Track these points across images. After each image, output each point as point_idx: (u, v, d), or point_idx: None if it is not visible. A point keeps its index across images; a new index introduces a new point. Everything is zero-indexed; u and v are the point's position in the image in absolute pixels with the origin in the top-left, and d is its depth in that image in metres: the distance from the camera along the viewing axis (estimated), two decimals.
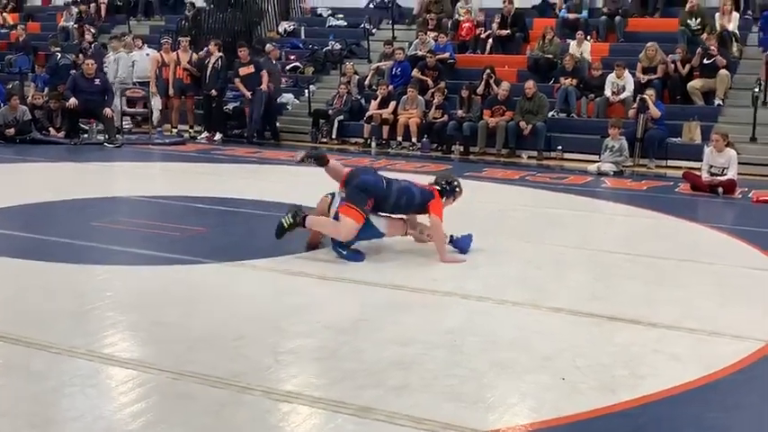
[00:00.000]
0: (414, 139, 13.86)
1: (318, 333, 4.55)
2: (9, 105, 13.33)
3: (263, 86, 14.25)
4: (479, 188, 10.42)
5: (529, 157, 13.24)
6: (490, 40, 15.87)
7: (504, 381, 4.01)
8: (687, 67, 13.55)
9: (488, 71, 14.10)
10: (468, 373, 4.06)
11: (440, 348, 4.36)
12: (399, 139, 13.99)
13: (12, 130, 13.02)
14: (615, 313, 5.04)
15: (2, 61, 18.06)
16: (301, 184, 10.43)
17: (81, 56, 15.61)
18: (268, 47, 15.72)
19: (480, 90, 14.02)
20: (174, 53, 15.16)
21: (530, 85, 13.36)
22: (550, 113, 13.58)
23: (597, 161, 12.07)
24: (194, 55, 15.11)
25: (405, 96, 14.24)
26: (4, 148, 12.52)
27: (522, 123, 13.13)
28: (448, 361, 4.19)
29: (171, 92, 15.04)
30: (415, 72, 14.86)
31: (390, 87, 14.67)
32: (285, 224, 6.22)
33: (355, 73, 15.39)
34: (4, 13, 20.86)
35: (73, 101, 13.32)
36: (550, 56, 14.64)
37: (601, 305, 5.24)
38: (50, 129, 13.68)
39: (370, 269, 5.92)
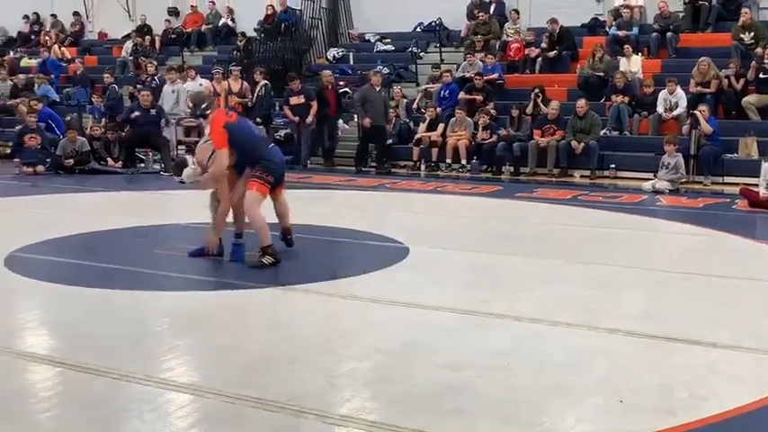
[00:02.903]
0: (463, 161, 13.85)
1: (371, 356, 4.56)
2: (68, 137, 13.71)
3: (311, 118, 14.47)
4: (531, 209, 10.37)
5: (581, 177, 13.13)
6: (539, 60, 15.83)
7: (560, 404, 3.96)
8: (741, 81, 13.32)
9: (537, 90, 14.06)
10: (523, 396, 4.01)
11: (493, 371, 4.32)
12: (449, 161, 13.99)
13: (71, 161, 13.38)
14: (672, 333, 4.95)
15: (61, 94, 18.60)
16: (349, 208, 10.51)
17: (137, 87, 15.98)
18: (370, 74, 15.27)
19: (529, 110, 13.98)
20: (226, 82, 15.44)
21: (581, 103, 13.28)
22: (602, 132, 13.46)
23: (651, 179, 11.90)
24: (245, 84, 15.37)
25: (453, 118, 14.27)
26: (65, 178, 12.86)
27: (574, 142, 13.03)
28: (502, 384, 4.15)
29: None
30: (462, 94, 14.89)
31: (439, 110, 14.72)
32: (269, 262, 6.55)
33: (403, 96, 15.49)
34: (63, 47, 21.50)
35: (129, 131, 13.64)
36: (601, 74, 14.54)
37: (657, 325, 5.15)
38: (108, 159, 14.03)
39: (421, 292, 5.91)
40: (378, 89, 14.46)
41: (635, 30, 15.72)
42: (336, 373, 4.28)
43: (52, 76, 19.71)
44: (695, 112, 12.48)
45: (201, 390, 3.98)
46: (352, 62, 18.32)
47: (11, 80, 19.34)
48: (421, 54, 17.79)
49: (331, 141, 14.96)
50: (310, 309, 5.59)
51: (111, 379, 4.12)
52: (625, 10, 15.96)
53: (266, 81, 14.95)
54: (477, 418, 3.75)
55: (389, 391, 4.06)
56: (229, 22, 20.37)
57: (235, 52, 18.33)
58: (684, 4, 15.95)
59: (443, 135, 14.21)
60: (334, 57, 18.67)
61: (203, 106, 6.78)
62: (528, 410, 3.85)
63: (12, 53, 21.77)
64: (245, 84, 15.39)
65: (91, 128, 15.00)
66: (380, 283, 6.25)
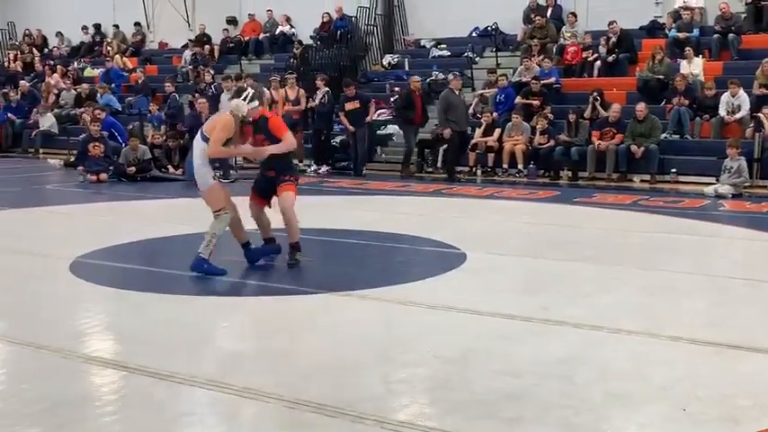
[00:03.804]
0: (520, 166, 13.75)
1: (428, 363, 4.55)
2: (130, 145, 14.02)
3: (368, 118, 14.53)
4: (590, 214, 10.24)
5: (641, 181, 12.93)
6: (597, 63, 15.65)
7: (621, 412, 3.90)
8: None
9: (595, 94, 13.89)
10: (583, 404, 3.96)
11: (552, 379, 4.28)
12: (505, 166, 13.90)
13: (133, 169, 13.67)
14: (736, 341, 4.83)
15: (122, 103, 19.04)
16: (405, 213, 10.52)
17: (195, 96, 16.26)
18: (450, 77, 15.07)
19: (587, 114, 13.82)
20: (283, 90, 15.62)
21: (641, 107, 13.08)
22: (663, 135, 13.23)
23: (714, 183, 11.65)
24: (301, 91, 15.52)
25: (510, 123, 14.18)
26: (127, 185, 13.14)
27: (634, 146, 12.84)
28: (561, 392, 4.11)
29: None
30: (519, 98, 14.79)
31: (495, 114, 14.64)
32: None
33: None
34: (124, 58, 22.00)
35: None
36: (661, 77, 14.29)
37: (720, 333, 5.04)
38: (169, 166, 14.30)
39: (479, 298, 5.89)
40: (458, 93, 14.29)
41: (695, 31, 15.41)
42: (394, 379, 4.29)
43: (113, 85, 20.18)
44: (759, 114, 12.18)
45: (261, 394, 4.02)
46: (407, 68, 18.35)
47: (75, 90, 19.90)
48: (477, 59, 17.74)
49: (413, 148, 14.63)
50: (367, 314, 5.61)
51: (173, 383, 4.19)
52: (685, 12, 15.66)
53: (327, 88, 15.08)
54: (536, 425, 3.71)
55: (448, 397, 4.05)
56: (286, 30, 20.59)
57: (291, 60, 18.53)
58: (746, 4, 15.60)
59: (500, 140, 14.13)
60: (389, 63, 18.72)
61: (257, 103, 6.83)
62: (588, 418, 3.80)
63: (75, 63, 22.36)
64: (301, 91, 15.55)
65: (152, 136, 15.31)
66: (438, 289, 6.24)
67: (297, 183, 7.04)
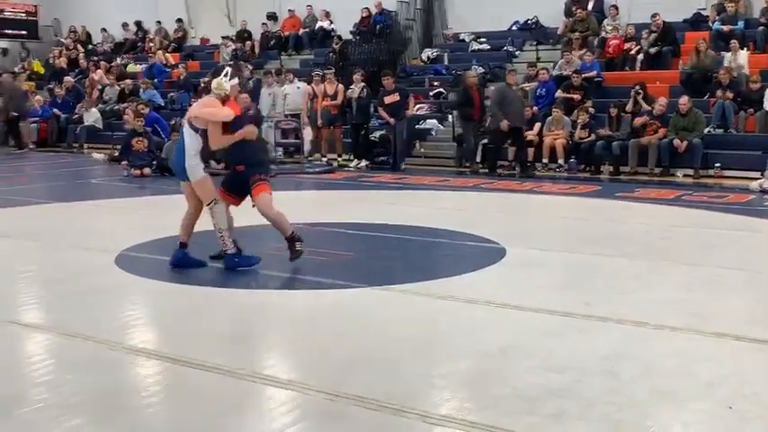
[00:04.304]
0: (560, 161, 13.64)
1: (470, 357, 4.55)
2: (173, 140, 14.16)
3: (409, 112, 14.53)
4: (632, 209, 10.13)
5: (684, 176, 12.75)
6: (639, 56, 15.46)
7: (666, 409, 3.86)
8: None
9: (637, 87, 13.72)
10: (627, 401, 3.93)
11: (595, 375, 4.25)
12: (545, 160, 13.80)
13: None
14: None
15: (165, 99, 19.26)
16: (444, 208, 10.51)
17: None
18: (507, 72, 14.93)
19: (629, 108, 13.66)
20: (322, 85, 15.69)
21: (684, 100, 12.90)
22: (706, 129, 13.03)
23: (759, 178, 11.45)
24: (339, 86, 15.56)
25: (550, 117, 14.08)
26: (170, 180, 13.25)
27: (677, 140, 12.67)
28: (604, 388, 4.08)
29: (319, 122, 15.57)
30: (559, 92, 14.67)
31: (535, 108, 14.54)
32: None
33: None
34: (167, 54, 22.26)
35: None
36: (705, 70, 14.07)
37: (766, 330, 4.96)
38: (210, 161, 14.40)
39: (519, 293, 5.86)
40: (515, 87, 14.10)
41: (740, 24, 15.14)
42: (435, 374, 4.29)
43: (156, 80, 20.43)
44: None
45: (304, 387, 4.06)
46: (446, 62, 18.30)
47: (118, 85, 20.19)
48: (516, 53, 17.63)
49: (473, 144, 14.40)
50: (408, 309, 5.62)
51: (217, 375, 4.24)
52: (729, 4, 15.39)
53: (365, 84, 15.11)
54: (579, 421, 3.69)
55: (489, 392, 4.04)
56: (326, 26, 20.66)
57: (330, 55, 18.59)
58: None
59: (540, 134, 14.04)
60: (428, 57, 18.69)
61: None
62: (632, 415, 3.77)
63: (119, 59, 22.68)
64: (340, 86, 15.59)
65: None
66: (478, 283, 6.23)
67: (269, 179, 6.77)
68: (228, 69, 6.66)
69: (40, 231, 8.67)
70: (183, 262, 6.69)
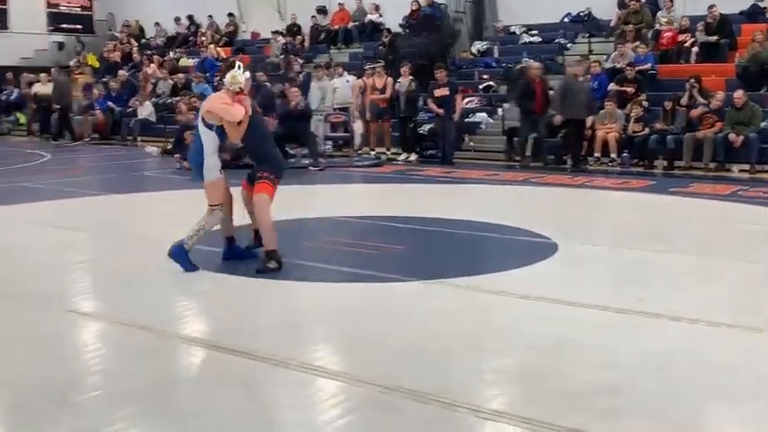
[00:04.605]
0: (613, 155, 13.44)
1: (521, 353, 4.51)
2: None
3: (457, 109, 14.43)
4: (687, 204, 9.95)
5: (740, 171, 12.46)
6: (694, 49, 15.15)
7: (720, 407, 3.79)
8: None
9: (692, 81, 13.45)
10: (681, 398, 3.86)
11: (649, 372, 4.18)
12: (597, 154, 13.61)
13: (227, 156, 13.96)
14: None
15: (216, 92, 19.43)
16: (494, 202, 10.44)
17: (287, 85, 16.49)
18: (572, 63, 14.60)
19: (684, 101, 13.40)
20: (371, 78, 15.70)
21: (739, 94, 12.61)
22: (763, 123, 12.71)
23: None
24: (388, 80, 15.55)
25: (603, 110, 13.86)
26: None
27: (733, 135, 12.39)
28: (659, 385, 4.01)
29: (368, 116, 15.60)
30: (612, 85, 14.45)
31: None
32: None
33: (550, 89, 15.18)
34: (218, 48, 22.48)
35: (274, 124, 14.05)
36: (761, 63, 13.72)
37: None
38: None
39: (571, 289, 5.79)
40: (581, 80, 13.76)
41: None
42: (487, 368, 4.27)
43: (208, 74, 20.64)
44: None
45: (354, 379, 4.07)
46: (496, 55, 18.16)
47: (171, 79, 20.46)
48: (568, 45, 17.41)
49: (536, 138, 14.03)
50: (458, 303, 5.59)
51: (270, 365, 4.28)
52: None
53: (412, 77, 15.07)
54: (633, 418, 3.64)
55: (542, 387, 4.01)
56: (375, 19, 20.65)
57: (380, 48, 18.59)
58: None
59: (592, 128, 13.84)
60: (478, 50, 18.57)
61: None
62: (687, 413, 3.71)
63: (171, 53, 22.98)
64: (389, 80, 15.58)
65: None
66: (529, 278, 6.18)
67: (274, 179, 6.52)
68: (240, 63, 6.64)
69: (94, 222, 8.84)
70: (235, 254, 6.74)
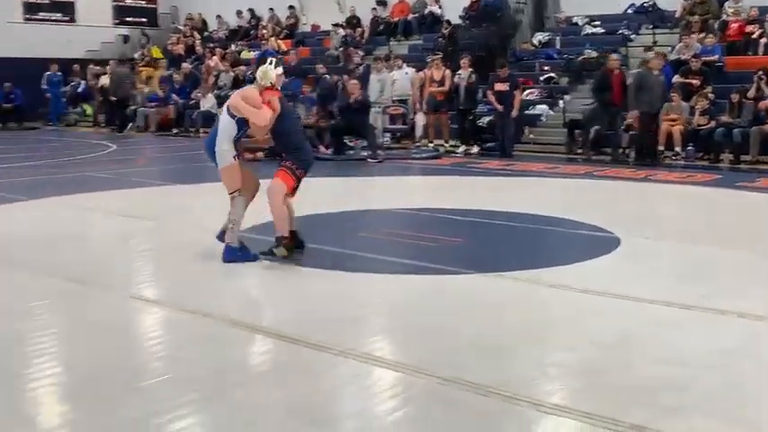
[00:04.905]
0: (677, 148, 13.16)
1: (582, 347, 4.46)
2: None
3: (515, 105, 14.30)
4: (753, 199, 9.71)
5: None
6: (763, 40, 14.73)
7: None
8: None
9: (760, 73, 13.08)
10: (747, 396, 3.78)
11: (714, 369, 4.10)
12: (661, 147, 13.34)
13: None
14: None
15: None
16: (555, 196, 10.33)
17: (347, 77, 16.56)
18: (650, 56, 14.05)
19: (752, 94, 13.04)
20: (430, 71, 15.66)
21: None
22: None
23: None
24: (446, 72, 15.48)
25: (667, 103, 13.58)
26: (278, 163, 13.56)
27: None
28: (724, 383, 3.93)
29: (424, 108, 15.59)
30: (677, 77, 14.14)
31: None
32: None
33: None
34: (279, 40, 22.67)
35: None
36: None
37: None
38: (320, 146, 14.66)
39: (634, 284, 5.70)
40: (656, 73, 13.34)
41: None
42: (548, 362, 4.23)
43: None
44: None
45: (414, 370, 4.08)
46: (558, 46, 17.93)
47: (232, 72, 20.71)
48: (632, 36, 17.09)
49: (614, 133, 13.72)
50: (519, 296, 5.56)
51: (330, 355, 4.31)
52: None
53: (472, 69, 14.99)
54: (697, 416, 3.58)
55: (604, 383, 3.96)
56: (435, 10, 20.58)
57: (439, 40, 18.52)
58: None
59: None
60: (539, 42, 18.36)
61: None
62: (753, 411, 3.63)
63: (233, 46, 23.26)
64: (447, 72, 15.51)
65: (304, 117, 15.71)
66: (591, 273, 6.10)
67: (296, 169, 6.44)
68: (274, 58, 6.65)
69: (159, 212, 9.01)
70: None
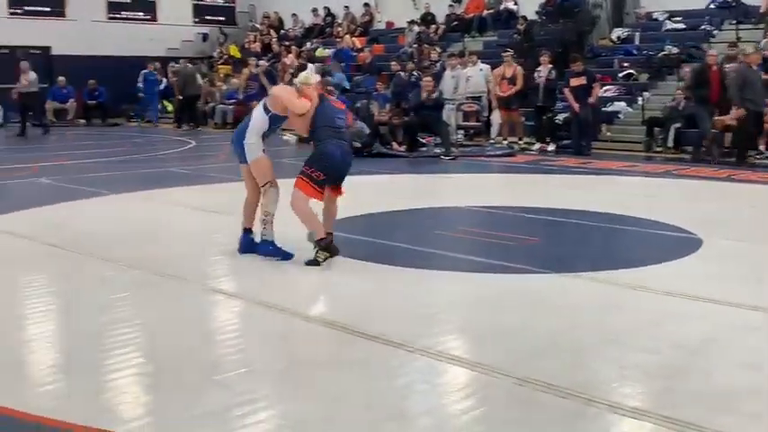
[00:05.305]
0: (761, 147, 12.74)
1: (663, 350, 4.36)
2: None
3: (592, 100, 14.05)
4: None
5: None
6: None
7: None
8: None
9: None
10: None
11: None
12: (762, 147, 12.80)
13: (358, 144, 14.18)
14: None
15: (351, 82, 19.75)
16: (634, 195, 10.11)
17: (421, 74, 16.56)
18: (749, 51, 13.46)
19: None
20: (501, 67, 15.53)
21: None
22: None
23: None
24: (518, 68, 15.32)
25: None
26: (354, 160, 13.61)
27: None
28: None
29: (494, 104, 15.48)
30: (763, 74, 13.66)
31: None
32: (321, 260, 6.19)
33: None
34: (353, 38, 22.81)
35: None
36: None
37: None
38: (393, 143, 14.70)
39: (717, 287, 5.55)
40: (754, 68, 12.82)
41: None
42: (627, 365, 4.15)
43: (343, 64, 20.98)
44: None
45: (491, 369, 4.05)
46: (637, 42, 17.56)
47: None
48: (714, 32, 16.63)
49: (699, 131, 13.27)
50: (597, 297, 5.47)
51: (406, 351, 4.32)
52: None
53: (552, 65, 14.81)
54: None
55: (684, 387, 3.87)
56: (511, 6, 20.39)
57: (515, 36, 18.34)
58: None
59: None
60: (618, 37, 18.03)
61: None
62: None
63: (309, 44, 23.50)
64: (518, 68, 15.34)
65: (378, 114, 15.78)
66: (672, 274, 5.96)
67: (315, 176, 6.28)
68: (313, 66, 6.69)
69: (237, 207, 9.13)
70: (249, 248, 6.65)
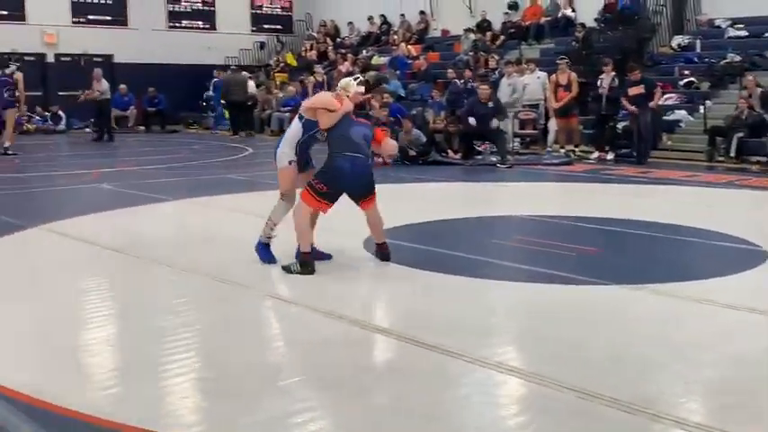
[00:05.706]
0: None
1: (729, 366, 4.25)
2: (404, 129, 14.54)
3: (653, 104, 13.82)
4: None
5: None
6: None
7: None
8: None
9: None
10: None
11: None
12: None
13: (413, 152, 14.18)
14: None
15: (406, 89, 19.77)
16: (695, 205, 9.90)
17: (477, 82, 16.48)
18: None
19: None
20: (554, 75, 15.37)
21: None
22: None
23: None
24: (572, 75, 15.14)
25: None
26: (408, 168, 13.65)
27: None
28: None
29: (550, 113, 15.33)
30: None
31: None
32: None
33: (758, 86, 14.20)
34: (409, 45, 22.84)
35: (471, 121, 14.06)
36: None
37: None
38: (449, 151, 14.65)
39: None
40: None
41: None
42: (693, 380, 4.04)
43: (398, 72, 21.01)
44: None
45: (550, 381, 3.98)
46: (698, 50, 17.23)
47: (363, 77, 21.00)
48: None
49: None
50: (660, 310, 5.34)
51: (464, 361, 4.28)
52: None
53: (614, 73, 14.61)
54: None
55: (753, 404, 3.75)
56: (569, 13, 20.19)
57: (573, 43, 18.15)
58: None
59: None
60: (678, 45, 17.73)
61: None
62: None
63: (364, 52, 23.61)
64: (572, 75, 15.16)
65: (433, 121, 15.76)
66: (737, 287, 5.80)
67: (321, 189, 6.26)
68: (359, 77, 6.74)
69: (290, 213, 9.20)
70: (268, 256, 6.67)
